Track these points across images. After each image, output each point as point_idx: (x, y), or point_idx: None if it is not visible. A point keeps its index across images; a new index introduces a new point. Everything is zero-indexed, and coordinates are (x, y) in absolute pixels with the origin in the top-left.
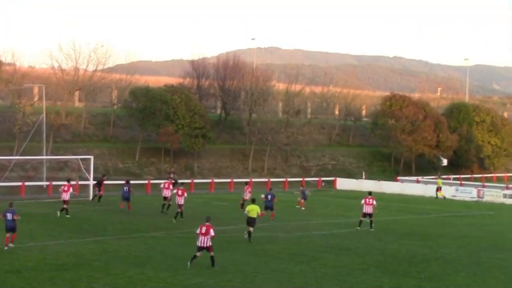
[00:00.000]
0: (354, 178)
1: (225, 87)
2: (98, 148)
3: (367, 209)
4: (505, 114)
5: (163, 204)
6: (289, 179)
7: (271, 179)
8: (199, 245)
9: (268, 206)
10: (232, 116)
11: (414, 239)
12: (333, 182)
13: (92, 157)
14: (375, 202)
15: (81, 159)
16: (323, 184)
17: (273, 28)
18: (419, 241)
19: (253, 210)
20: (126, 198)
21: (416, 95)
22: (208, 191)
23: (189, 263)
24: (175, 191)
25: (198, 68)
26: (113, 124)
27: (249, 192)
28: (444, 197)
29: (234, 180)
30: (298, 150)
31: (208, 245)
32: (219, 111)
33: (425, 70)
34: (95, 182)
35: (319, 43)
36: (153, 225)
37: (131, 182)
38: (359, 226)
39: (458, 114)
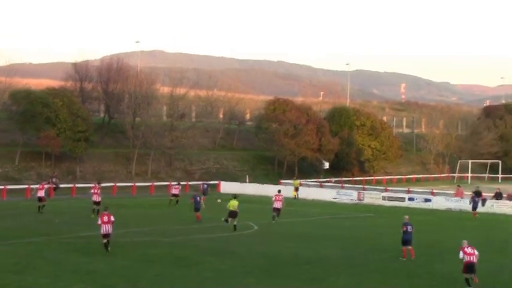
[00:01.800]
0: (238, 181)
1: (109, 91)
2: None
3: (277, 204)
4: (384, 118)
5: (39, 206)
6: (173, 183)
7: (155, 183)
8: (104, 232)
9: (198, 208)
10: (115, 120)
11: (297, 241)
12: (216, 186)
13: None
14: (282, 198)
15: None
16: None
17: (156, 31)
18: (302, 243)
19: (234, 204)
20: None
21: (299, 99)
22: (91, 195)
23: (107, 251)
24: (92, 190)
25: (80, 71)
26: None
27: (176, 189)
28: (295, 197)
29: (117, 184)
30: (182, 154)
31: (111, 231)
32: (102, 114)
33: (308, 75)
34: None
35: (203, 47)
36: (32, 231)
37: (10, 186)
38: (273, 220)
39: (340, 118)
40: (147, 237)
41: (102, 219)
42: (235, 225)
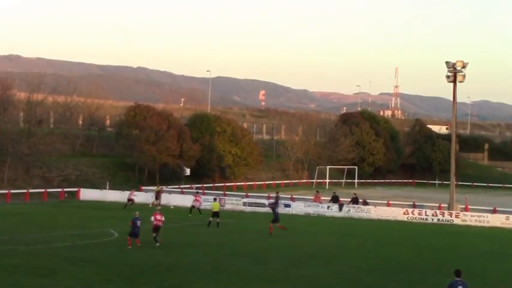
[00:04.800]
0: (98, 188)
1: None
2: None
3: (196, 204)
4: (245, 125)
5: None
6: (30, 190)
7: (12, 191)
8: None
9: None
10: None
11: (158, 248)
12: (76, 193)
13: None
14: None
15: None
16: (66, 195)
17: (12, 35)
18: (163, 250)
19: (215, 206)
20: None
21: (160, 106)
22: None
23: None
24: None
25: None
26: None
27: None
28: (156, 204)
29: None
30: (41, 161)
31: None
32: None
33: (169, 81)
34: None
35: (62, 52)
36: None
37: None
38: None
39: (201, 125)
40: (3, 246)
41: None
42: (218, 223)
